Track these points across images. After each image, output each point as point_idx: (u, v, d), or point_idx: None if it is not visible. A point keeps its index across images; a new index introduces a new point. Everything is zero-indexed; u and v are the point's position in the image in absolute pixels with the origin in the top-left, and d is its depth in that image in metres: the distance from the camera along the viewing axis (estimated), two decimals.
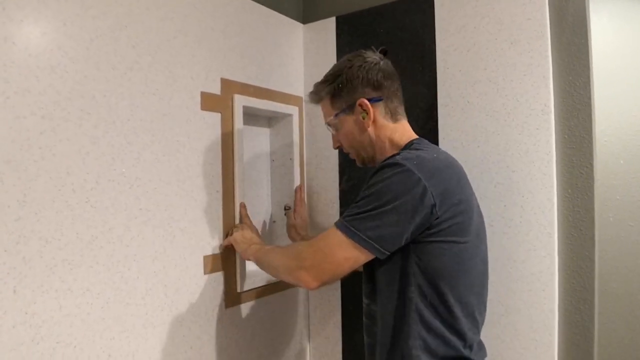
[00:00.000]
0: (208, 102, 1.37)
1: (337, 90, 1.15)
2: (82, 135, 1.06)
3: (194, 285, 1.32)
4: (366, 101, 1.12)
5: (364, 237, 0.96)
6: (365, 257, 0.99)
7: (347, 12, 1.66)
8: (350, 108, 1.14)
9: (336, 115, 1.17)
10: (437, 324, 1.01)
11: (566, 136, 1.28)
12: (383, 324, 1.07)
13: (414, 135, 1.16)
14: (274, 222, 1.75)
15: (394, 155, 1.05)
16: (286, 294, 1.67)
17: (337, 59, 1.67)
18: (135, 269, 1.17)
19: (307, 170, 1.76)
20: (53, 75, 1.02)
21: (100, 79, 1.10)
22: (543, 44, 1.28)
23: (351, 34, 1.65)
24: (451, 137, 1.43)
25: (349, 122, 1.16)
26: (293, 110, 1.70)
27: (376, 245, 0.97)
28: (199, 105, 1.34)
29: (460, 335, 1.02)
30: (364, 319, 1.17)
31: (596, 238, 1.25)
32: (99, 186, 1.10)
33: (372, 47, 1.19)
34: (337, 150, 1.66)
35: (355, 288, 1.64)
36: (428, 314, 1.00)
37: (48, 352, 0.99)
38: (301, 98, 1.75)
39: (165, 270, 1.24)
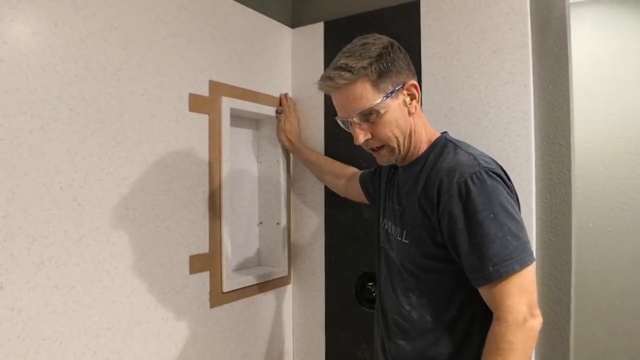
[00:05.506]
0: (196, 103, 1.39)
1: (384, 69, 0.99)
2: (71, 134, 1.08)
3: (179, 284, 1.33)
4: (417, 84, 1.03)
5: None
6: None
7: (335, 17, 1.69)
8: (397, 91, 1.02)
9: (384, 98, 1.00)
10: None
11: (545, 143, 1.31)
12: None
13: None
14: (261, 223, 1.77)
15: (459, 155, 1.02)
16: (271, 294, 1.68)
17: (325, 63, 1.69)
18: (122, 267, 1.18)
19: (293, 172, 1.78)
20: (43, 74, 1.03)
21: (90, 79, 1.12)
22: (524, 53, 1.32)
23: (339, 39, 1.67)
24: None
25: (393, 107, 1.02)
26: None
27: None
28: (187, 107, 1.36)
29: None
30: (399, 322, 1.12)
31: (573, 242, 1.29)
32: (87, 185, 1.11)
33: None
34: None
35: (338, 290, 1.67)
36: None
37: (33, 349, 1.00)
38: None
39: (152, 269, 1.25)
